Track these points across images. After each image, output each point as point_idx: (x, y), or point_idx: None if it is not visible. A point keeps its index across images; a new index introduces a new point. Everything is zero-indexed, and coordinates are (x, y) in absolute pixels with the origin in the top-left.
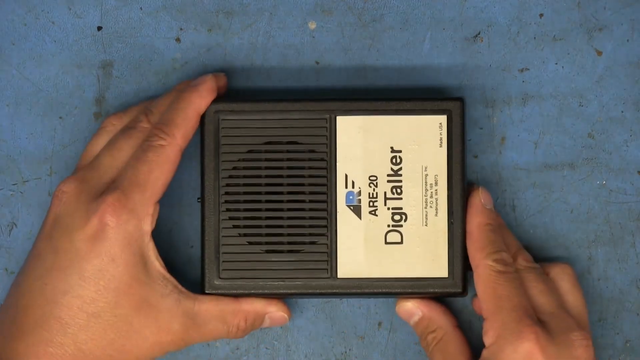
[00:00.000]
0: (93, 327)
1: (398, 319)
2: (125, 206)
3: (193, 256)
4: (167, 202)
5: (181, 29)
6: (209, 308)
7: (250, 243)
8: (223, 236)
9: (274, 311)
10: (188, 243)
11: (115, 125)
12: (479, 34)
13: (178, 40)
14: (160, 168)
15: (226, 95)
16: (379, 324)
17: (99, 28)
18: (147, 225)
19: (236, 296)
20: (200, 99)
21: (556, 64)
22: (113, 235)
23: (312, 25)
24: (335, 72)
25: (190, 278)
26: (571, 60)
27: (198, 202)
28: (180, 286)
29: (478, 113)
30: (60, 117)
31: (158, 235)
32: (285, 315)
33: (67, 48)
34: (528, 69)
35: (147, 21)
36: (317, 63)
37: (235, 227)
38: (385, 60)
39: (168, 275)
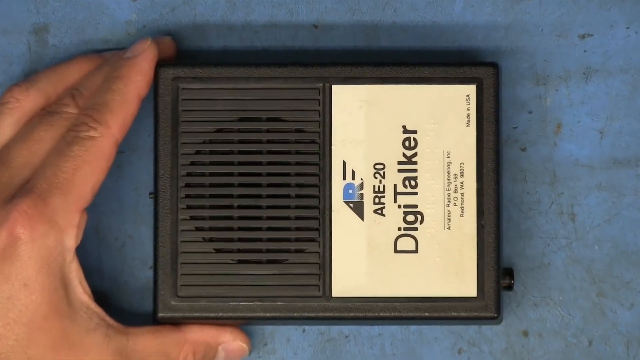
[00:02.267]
0: None
1: None
2: (42, 214)
3: (152, 279)
4: (118, 209)
5: None
6: (147, 342)
7: (218, 251)
8: (182, 242)
9: (230, 341)
10: (146, 263)
11: (20, 101)
12: None
13: None
14: (89, 166)
15: (188, 58)
16: None
17: None
18: (71, 240)
19: (199, 320)
20: (141, 77)
21: (627, 28)
22: (26, 252)
23: None
24: (338, 38)
25: (149, 307)
26: None
27: (150, 197)
28: (108, 318)
29: (526, 92)
30: None
31: (107, 252)
32: (244, 346)
33: None
34: (591, 35)
35: None
36: (316, 27)
37: (198, 229)
38: (404, 24)
39: (93, 305)
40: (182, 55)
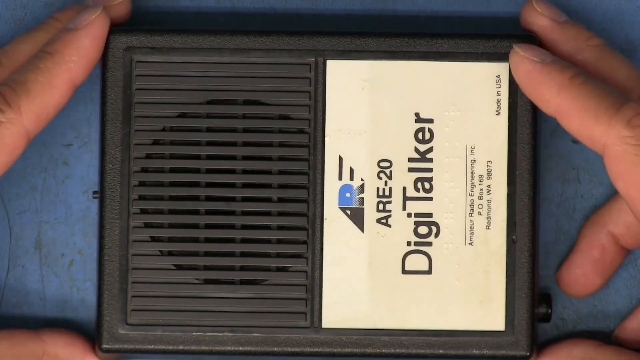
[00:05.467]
0: None
1: None
2: None
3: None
4: (64, 217)
5: None
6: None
7: (179, 268)
8: (134, 255)
9: None
10: None
11: None
12: None
13: None
14: None
15: (148, 22)
16: None
17: None
18: None
19: (154, 355)
20: (78, 58)
21: None
22: None
23: None
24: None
25: None
26: None
27: (95, 197)
28: None
29: None
30: None
31: (51, 271)
32: None
33: None
34: None
35: None
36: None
37: (154, 240)
38: None
39: None
40: (139, 18)
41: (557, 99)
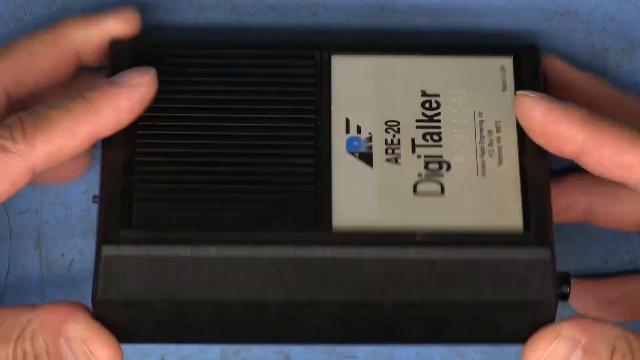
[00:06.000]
0: None
1: None
2: None
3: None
4: (64, 216)
5: None
6: None
7: (185, 173)
8: (139, 160)
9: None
10: None
11: None
12: None
13: None
14: None
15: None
16: None
17: None
18: None
19: (156, 261)
20: (112, 116)
21: None
22: None
23: None
24: (340, 15)
25: None
26: None
27: (94, 202)
28: None
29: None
30: None
31: (51, 271)
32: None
33: None
34: None
35: None
36: (314, 15)
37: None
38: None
39: None
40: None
41: (583, 132)
